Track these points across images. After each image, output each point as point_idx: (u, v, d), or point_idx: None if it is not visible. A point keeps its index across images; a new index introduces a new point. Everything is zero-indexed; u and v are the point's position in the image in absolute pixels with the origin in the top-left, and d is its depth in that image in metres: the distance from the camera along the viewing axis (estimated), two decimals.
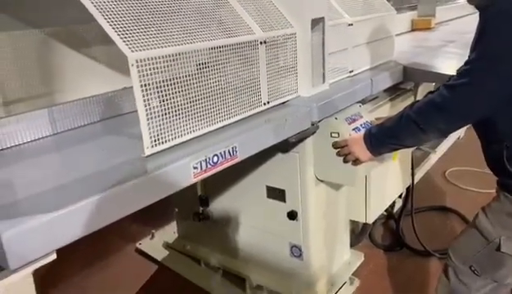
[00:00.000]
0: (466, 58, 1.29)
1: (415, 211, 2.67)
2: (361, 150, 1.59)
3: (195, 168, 1.20)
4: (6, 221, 0.85)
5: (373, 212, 2.18)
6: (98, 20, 1.10)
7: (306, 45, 1.70)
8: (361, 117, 1.84)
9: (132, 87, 1.77)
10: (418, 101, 1.42)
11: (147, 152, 1.18)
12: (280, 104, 1.67)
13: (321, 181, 1.89)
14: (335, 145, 1.69)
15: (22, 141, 1.39)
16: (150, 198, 1.09)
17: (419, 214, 2.88)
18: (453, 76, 1.31)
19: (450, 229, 2.81)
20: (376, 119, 1.89)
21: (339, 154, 1.70)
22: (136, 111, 1.70)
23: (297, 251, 2.00)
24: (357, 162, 1.64)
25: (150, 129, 1.17)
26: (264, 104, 1.58)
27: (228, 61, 1.40)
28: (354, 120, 1.80)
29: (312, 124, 1.67)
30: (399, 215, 2.71)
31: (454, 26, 4.43)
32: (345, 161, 1.69)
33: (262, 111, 1.58)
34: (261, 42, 1.52)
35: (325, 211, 1.98)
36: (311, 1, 1.68)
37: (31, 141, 1.41)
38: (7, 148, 1.35)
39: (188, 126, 1.29)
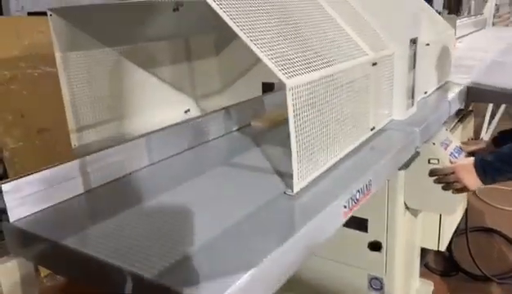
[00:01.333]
0: None
1: (460, 233, 2.59)
2: (471, 178, 1.49)
3: (344, 207, 1.07)
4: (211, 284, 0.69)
5: (445, 239, 2.08)
6: (253, 49, 0.96)
7: (403, 65, 1.60)
8: (451, 141, 1.75)
9: (209, 113, 1.64)
10: None
11: (296, 188, 1.04)
12: (379, 129, 1.56)
13: (407, 209, 1.78)
14: (439, 172, 1.58)
15: (123, 174, 1.22)
16: (314, 246, 0.95)
17: (463, 236, 2.80)
18: None
19: (498, 252, 2.75)
20: (463, 144, 1.81)
21: (439, 181, 1.60)
22: (220, 137, 1.58)
23: (377, 283, 1.87)
24: (463, 190, 1.55)
25: (299, 162, 1.03)
26: (371, 129, 1.47)
27: (351, 84, 1.28)
28: (447, 145, 1.71)
29: (416, 150, 1.56)
30: (450, 238, 2.63)
31: (466, 44, 4.45)
32: (446, 188, 1.59)
33: (368, 137, 1.46)
34: (373, 64, 1.41)
35: (407, 241, 1.87)
36: (410, 20, 1.59)
37: (133, 172, 1.24)
38: (114, 180, 1.18)
39: (322, 158, 1.16)
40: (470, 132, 2.23)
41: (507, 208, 3.22)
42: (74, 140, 1.49)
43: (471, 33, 5.16)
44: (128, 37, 1.61)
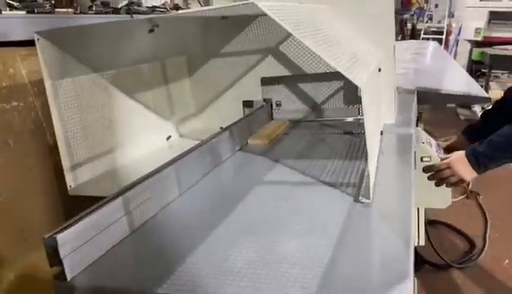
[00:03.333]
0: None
1: None
2: (466, 170, 1.59)
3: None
4: None
5: (422, 233, 2.19)
6: (333, 64, 0.93)
7: (390, 69, 1.68)
8: (430, 139, 1.86)
9: (216, 134, 1.52)
10: None
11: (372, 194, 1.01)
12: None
13: None
14: (435, 168, 1.66)
15: (155, 212, 1.07)
16: None
17: None
18: None
19: (447, 240, 2.97)
20: (443, 141, 1.94)
21: (434, 177, 1.68)
22: (229, 158, 1.49)
23: None
24: (457, 183, 1.64)
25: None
26: (381, 134, 1.50)
27: (373, 88, 1.30)
28: (430, 143, 1.81)
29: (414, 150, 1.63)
30: None
31: None
32: (440, 184, 1.67)
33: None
34: (379, 69, 1.45)
35: None
36: (392, 27, 1.68)
37: (167, 205, 1.10)
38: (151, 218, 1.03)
39: (373, 161, 1.15)
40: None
41: None
42: (70, 180, 1.28)
43: None
44: (112, 61, 1.46)
